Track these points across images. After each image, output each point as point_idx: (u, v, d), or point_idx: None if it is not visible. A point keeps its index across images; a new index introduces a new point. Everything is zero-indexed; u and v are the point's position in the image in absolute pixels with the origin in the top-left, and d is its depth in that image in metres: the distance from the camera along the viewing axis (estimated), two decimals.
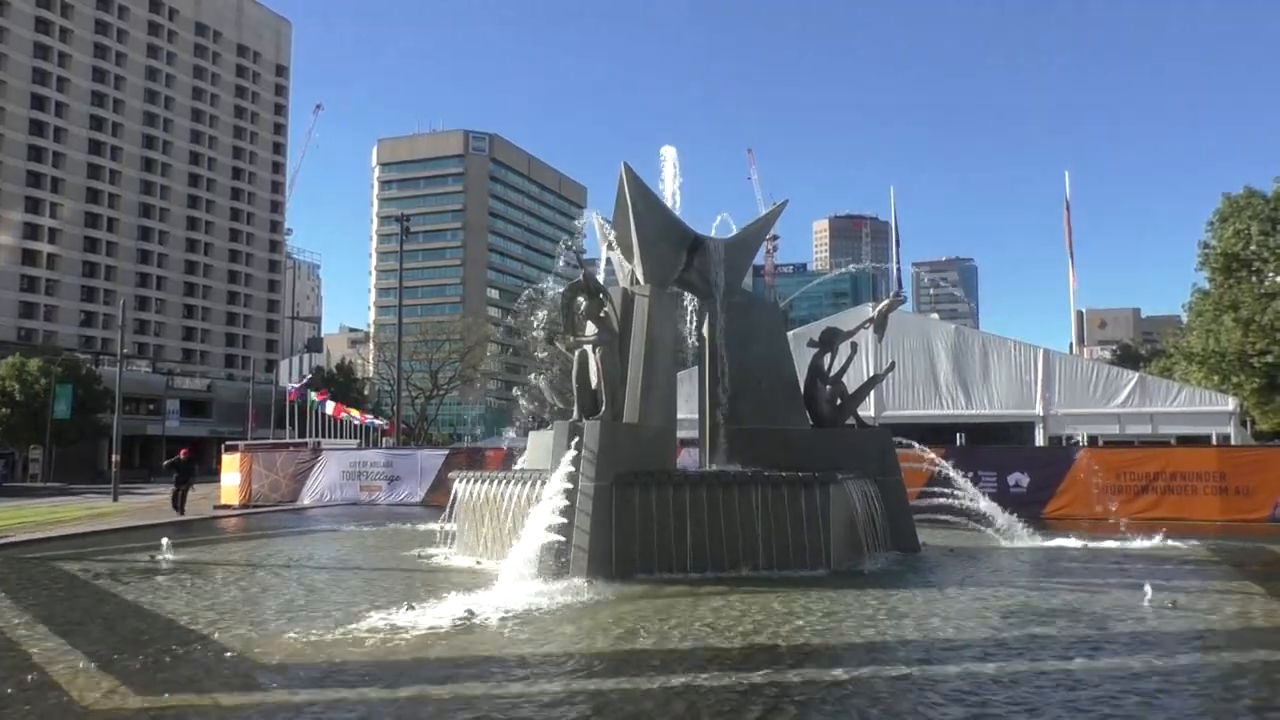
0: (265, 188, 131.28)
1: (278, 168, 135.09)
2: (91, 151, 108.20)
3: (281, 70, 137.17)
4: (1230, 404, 30.68)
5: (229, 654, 8.76)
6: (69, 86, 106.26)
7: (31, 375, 72.12)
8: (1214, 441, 28.43)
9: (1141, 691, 7.37)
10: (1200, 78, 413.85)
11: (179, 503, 27.10)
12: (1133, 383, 30.78)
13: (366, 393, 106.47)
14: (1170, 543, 17.70)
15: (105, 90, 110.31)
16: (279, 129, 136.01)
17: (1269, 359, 37.53)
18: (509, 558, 12.83)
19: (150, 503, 37.18)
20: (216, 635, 9.58)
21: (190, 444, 36.56)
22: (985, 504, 18.54)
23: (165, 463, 32.42)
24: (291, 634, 9.58)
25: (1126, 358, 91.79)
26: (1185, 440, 28.78)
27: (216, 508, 31.50)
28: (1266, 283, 40.32)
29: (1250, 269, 40.70)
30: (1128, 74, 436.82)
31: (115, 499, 38.60)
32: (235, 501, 31.84)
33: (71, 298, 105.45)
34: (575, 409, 14.98)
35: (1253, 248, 39.32)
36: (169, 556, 16.68)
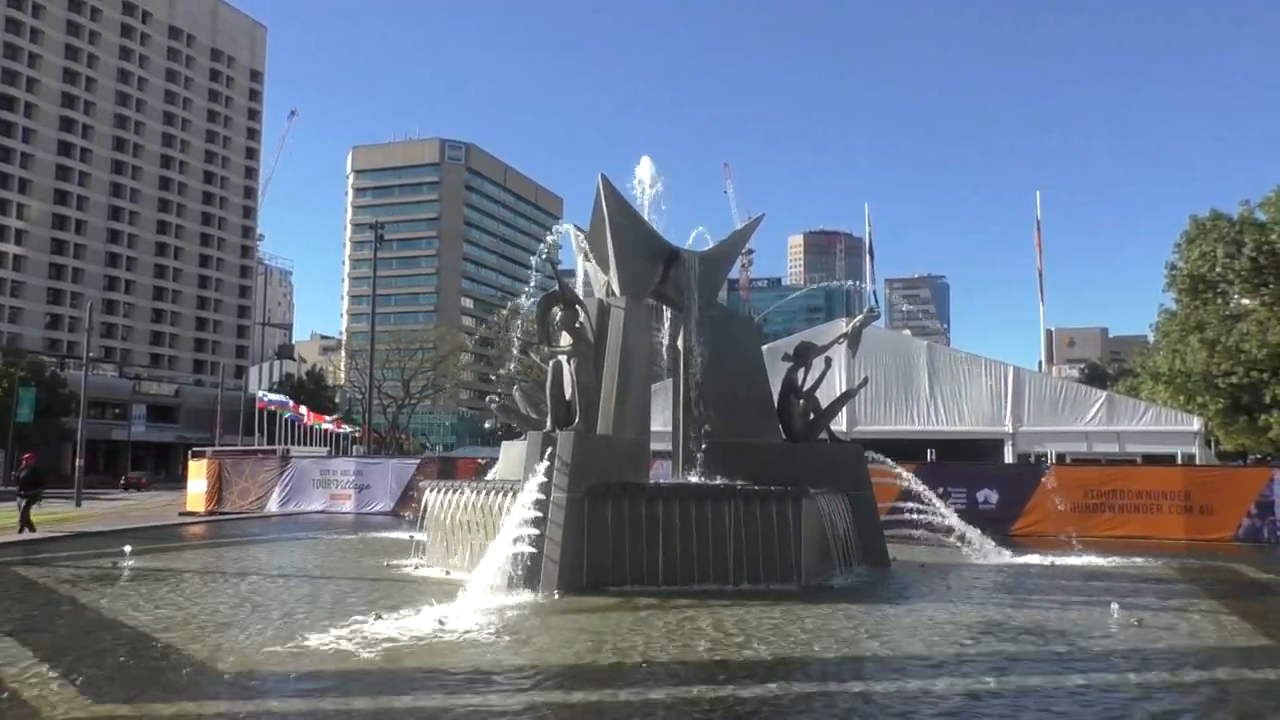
0: (238, 193, 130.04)
1: (250, 173, 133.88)
2: (60, 153, 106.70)
3: (256, 75, 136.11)
4: (1195, 424, 31.09)
5: (188, 663, 8.61)
6: (39, 87, 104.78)
7: None
8: (1179, 461, 28.78)
9: (1106, 707, 7.42)
10: (1171, 100, 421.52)
11: (25, 518, 22.27)
12: (1100, 401, 31.11)
13: (338, 400, 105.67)
14: (1136, 561, 17.94)
15: (76, 92, 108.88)
16: (252, 134, 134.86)
17: (1233, 380, 38.07)
18: (480, 569, 12.73)
19: (114, 509, 36.66)
20: (176, 643, 9.42)
21: (36, 449, 33.57)
22: (954, 520, 18.66)
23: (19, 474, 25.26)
24: (253, 643, 9.44)
25: (1094, 376, 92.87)
26: (1151, 459, 29.09)
27: (182, 514, 31.11)
28: (1231, 304, 40.99)
29: (1216, 291, 41.36)
30: (1100, 95, 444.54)
31: (79, 504, 38.00)
32: (201, 508, 31.43)
33: (37, 300, 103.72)
34: (549, 420, 14.93)
35: (1218, 270, 39.94)
36: (131, 564, 16.47)
